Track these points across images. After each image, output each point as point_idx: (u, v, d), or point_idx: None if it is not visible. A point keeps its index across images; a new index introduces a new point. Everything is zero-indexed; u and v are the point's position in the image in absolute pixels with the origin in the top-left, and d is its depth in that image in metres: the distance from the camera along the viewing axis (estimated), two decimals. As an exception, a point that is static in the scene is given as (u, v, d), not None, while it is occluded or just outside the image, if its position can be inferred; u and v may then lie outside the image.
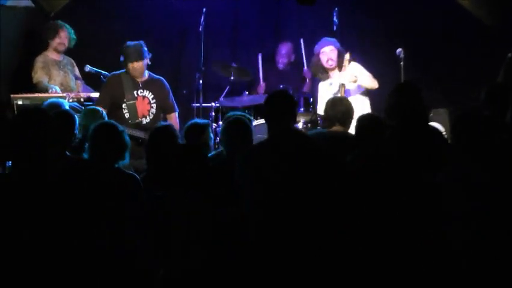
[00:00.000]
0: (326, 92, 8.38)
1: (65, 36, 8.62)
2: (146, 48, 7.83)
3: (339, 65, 8.35)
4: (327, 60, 8.35)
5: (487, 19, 8.46)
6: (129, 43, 7.83)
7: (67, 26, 8.66)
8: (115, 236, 4.94)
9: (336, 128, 6.50)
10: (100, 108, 6.83)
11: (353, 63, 8.38)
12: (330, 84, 8.42)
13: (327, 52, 8.34)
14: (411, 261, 4.73)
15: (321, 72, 8.45)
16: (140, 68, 7.80)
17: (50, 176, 4.67)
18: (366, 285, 4.74)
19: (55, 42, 8.62)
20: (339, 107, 6.53)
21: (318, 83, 8.70)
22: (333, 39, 8.40)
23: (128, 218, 5.01)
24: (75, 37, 8.69)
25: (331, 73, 8.48)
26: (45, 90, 8.17)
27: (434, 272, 4.69)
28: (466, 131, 4.84)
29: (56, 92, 8.08)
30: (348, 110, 6.56)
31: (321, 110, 7.61)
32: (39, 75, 8.47)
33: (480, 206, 4.62)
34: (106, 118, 6.52)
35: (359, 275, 4.73)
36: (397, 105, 5.54)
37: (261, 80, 9.50)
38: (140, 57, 7.78)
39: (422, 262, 4.71)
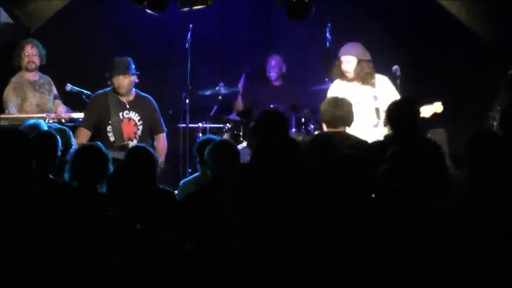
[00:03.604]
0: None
1: (33, 53, 8.47)
2: (134, 66, 7.75)
3: (361, 77, 7.97)
4: (345, 71, 7.97)
5: (485, 34, 8.41)
6: (117, 57, 7.77)
7: (35, 41, 8.51)
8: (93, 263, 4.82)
9: (341, 129, 6.67)
10: (67, 129, 6.64)
11: (384, 79, 8.08)
12: (357, 102, 7.78)
13: (344, 62, 7.97)
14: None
15: (341, 76, 8.04)
16: (125, 83, 7.70)
17: (31, 200, 4.69)
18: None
19: (24, 61, 8.46)
20: (345, 107, 6.71)
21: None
22: (357, 46, 8.03)
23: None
24: (44, 52, 8.55)
25: (352, 83, 8.06)
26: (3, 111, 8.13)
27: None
28: (481, 151, 4.76)
29: (12, 113, 8.07)
30: (351, 110, 6.76)
31: None
32: (6, 95, 8.34)
33: (494, 226, 4.58)
34: (72, 138, 6.43)
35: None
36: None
37: (240, 96, 9.49)
38: (126, 72, 7.69)
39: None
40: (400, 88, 8.14)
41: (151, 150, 5.74)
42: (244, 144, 8.02)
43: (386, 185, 4.81)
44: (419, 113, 6.18)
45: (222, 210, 4.97)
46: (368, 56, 7.99)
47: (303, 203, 4.77)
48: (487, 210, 4.57)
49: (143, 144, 6.01)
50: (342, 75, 7.99)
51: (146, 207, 5.10)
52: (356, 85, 7.98)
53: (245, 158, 6.18)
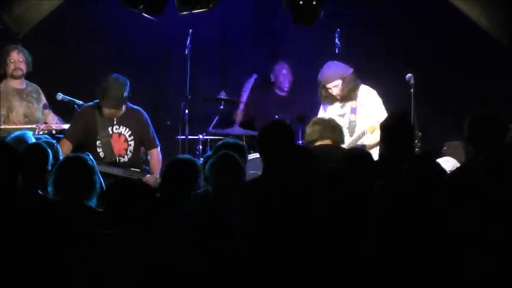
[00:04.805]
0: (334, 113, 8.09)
1: (19, 59, 8.29)
2: (128, 91, 7.41)
3: (348, 92, 8.02)
4: (335, 94, 8.04)
5: (504, 38, 8.26)
6: (113, 80, 7.41)
7: (21, 47, 8.33)
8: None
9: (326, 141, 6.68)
10: (55, 142, 6.42)
11: (369, 93, 8.05)
12: (341, 116, 8.04)
13: (332, 89, 8.02)
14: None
15: (330, 99, 8.12)
16: (110, 113, 7.46)
17: (19, 216, 4.64)
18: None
19: (10, 68, 8.27)
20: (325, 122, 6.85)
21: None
22: (336, 66, 8.06)
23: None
24: (31, 58, 8.38)
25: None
26: None
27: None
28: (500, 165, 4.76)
29: None
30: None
31: None
32: None
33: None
34: (60, 153, 6.22)
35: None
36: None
37: (242, 105, 9.37)
38: (117, 107, 7.43)
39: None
40: (414, 97, 7.97)
41: (194, 161, 5.64)
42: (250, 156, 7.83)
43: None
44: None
45: (227, 225, 4.90)
46: (349, 70, 8.04)
47: (314, 213, 4.74)
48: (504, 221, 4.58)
49: (188, 156, 5.83)
50: (333, 99, 8.09)
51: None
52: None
53: (249, 172, 6.18)
